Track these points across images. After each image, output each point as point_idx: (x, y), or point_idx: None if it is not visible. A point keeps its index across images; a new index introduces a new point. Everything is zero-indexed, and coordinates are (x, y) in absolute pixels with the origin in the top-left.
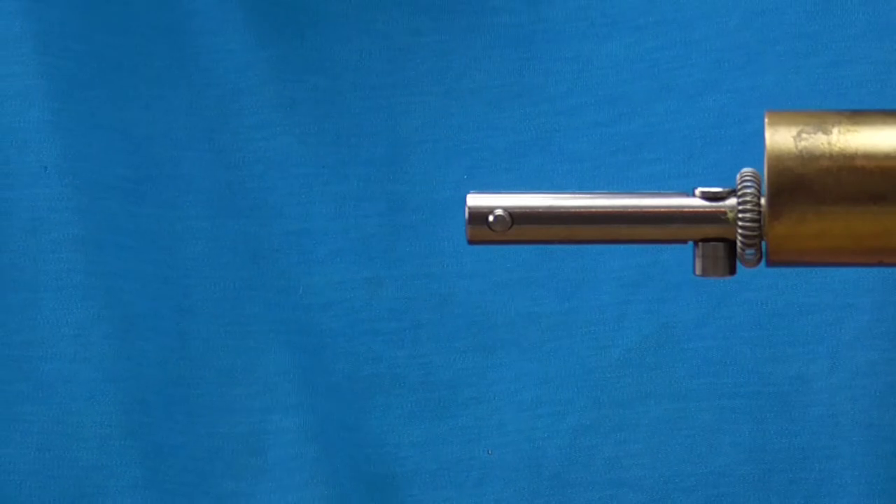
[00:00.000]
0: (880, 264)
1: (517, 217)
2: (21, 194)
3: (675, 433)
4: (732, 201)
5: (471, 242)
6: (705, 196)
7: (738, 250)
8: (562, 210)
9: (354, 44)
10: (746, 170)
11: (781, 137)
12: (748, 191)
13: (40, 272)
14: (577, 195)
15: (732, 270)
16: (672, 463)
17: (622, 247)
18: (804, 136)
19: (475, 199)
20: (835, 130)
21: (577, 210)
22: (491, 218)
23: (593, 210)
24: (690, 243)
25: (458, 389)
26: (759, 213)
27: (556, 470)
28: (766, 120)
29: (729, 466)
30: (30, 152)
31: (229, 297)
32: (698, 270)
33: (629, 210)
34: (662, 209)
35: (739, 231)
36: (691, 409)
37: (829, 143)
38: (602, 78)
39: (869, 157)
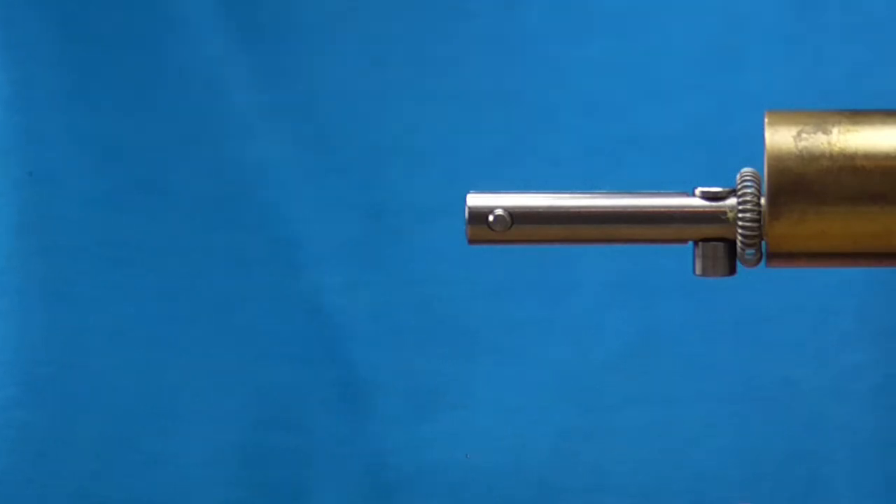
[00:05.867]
0: (880, 264)
1: (517, 217)
2: (5, 200)
3: (659, 438)
4: (732, 201)
5: (471, 242)
6: (705, 196)
7: (738, 250)
8: (561, 210)
9: (332, 51)
10: (746, 170)
11: (781, 137)
12: (748, 191)
13: (28, 277)
14: (577, 195)
15: (732, 270)
16: (656, 467)
17: (603, 251)
18: (804, 136)
19: (475, 199)
20: (835, 130)
21: (577, 210)
22: (491, 218)
23: (593, 210)
24: (690, 243)
25: (440, 395)
26: (759, 213)
27: (538, 475)
28: (766, 120)
29: (714, 470)
30: (13, 158)
31: (215, 307)
32: (698, 270)
33: (629, 210)
34: (662, 209)
35: (739, 231)
36: (675, 414)
37: (829, 143)
38: (580, 81)
39: (869, 157)
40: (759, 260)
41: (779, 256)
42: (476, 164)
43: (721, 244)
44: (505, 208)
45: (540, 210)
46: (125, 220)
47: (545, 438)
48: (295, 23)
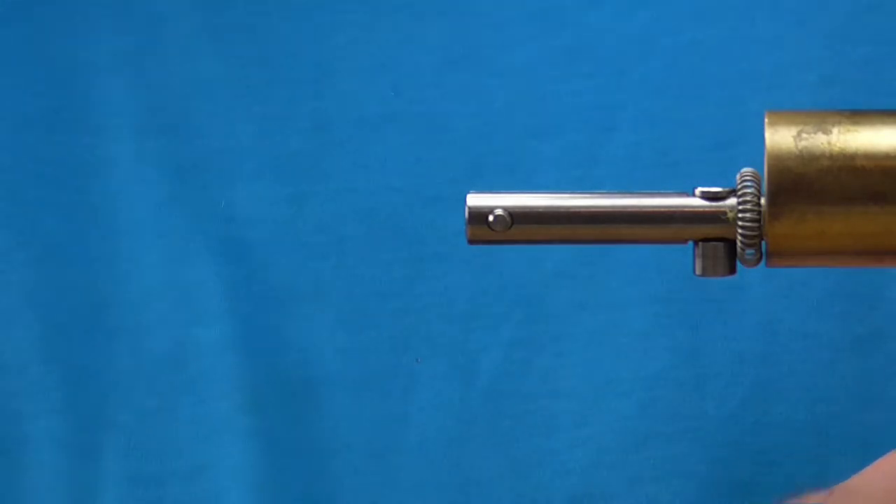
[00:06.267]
0: (880, 264)
1: (517, 217)
2: None
3: (610, 341)
4: (732, 201)
5: (471, 242)
6: (705, 196)
7: (738, 250)
8: (562, 210)
9: None
10: (746, 170)
11: (781, 137)
12: (748, 191)
13: None
14: (577, 195)
15: (732, 270)
16: (606, 370)
17: (551, 159)
18: (804, 135)
19: (475, 199)
20: (835, 130)
21: (577, 210)
22: (491, 218)
23: (593, 210)
24: (690, 243)
25: (386, 300)
26: (759, 213)
27: (488, 381)
28: (766, 120)
29: (663, 371)
30: None
31: (153, 216)
32: (698, 270)
33: (629, 210)
34: (662, 209)
35: (739, 231)
36: (625, 317)
37: (829, 143)
38: None
39: (869, 157)
40: (759, 260)
41: (779, 256)
42: (422, 73)
43: (721, 244)
44: (505, 208)
45: (540, 210)
46: (61, 139)
47: (496, 346)
48: None
